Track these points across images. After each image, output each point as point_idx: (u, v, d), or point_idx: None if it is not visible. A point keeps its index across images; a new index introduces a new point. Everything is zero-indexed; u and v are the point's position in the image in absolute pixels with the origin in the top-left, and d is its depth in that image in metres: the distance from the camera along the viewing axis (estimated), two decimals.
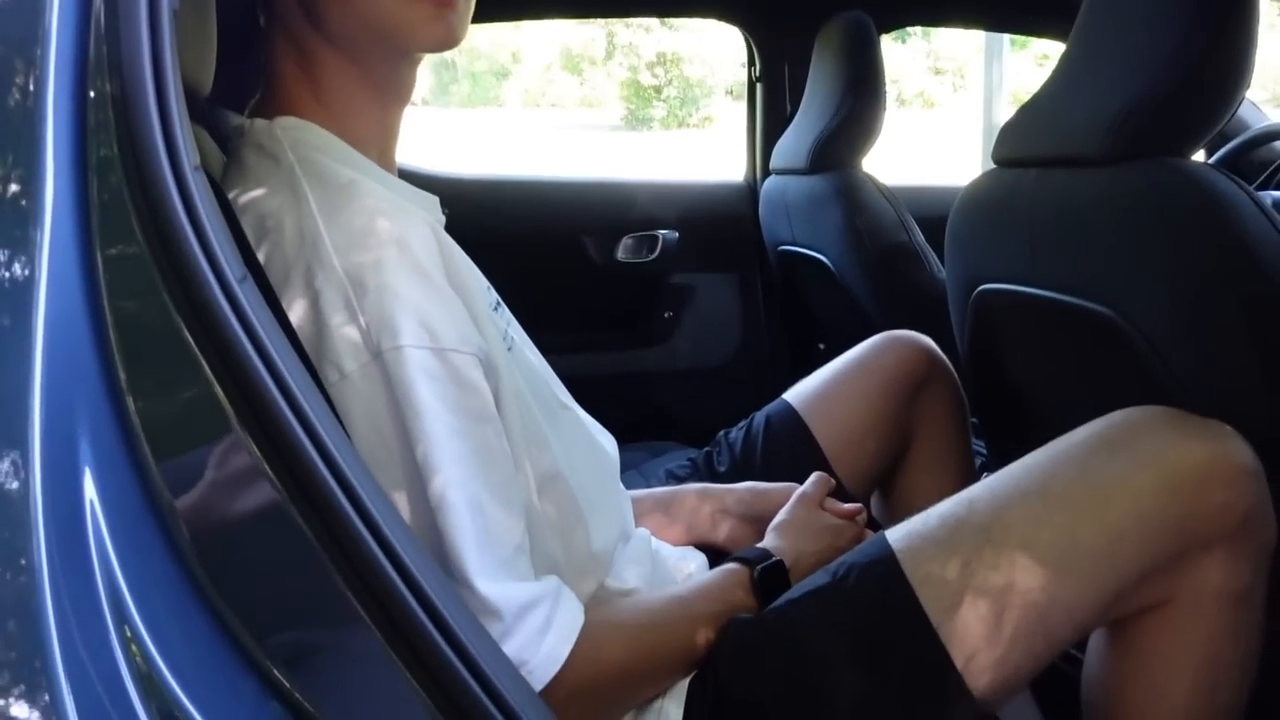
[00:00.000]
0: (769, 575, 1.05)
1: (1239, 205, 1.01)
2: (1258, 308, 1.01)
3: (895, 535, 0.98)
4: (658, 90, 20.44)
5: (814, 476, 1.22)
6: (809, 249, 2.03)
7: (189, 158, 0.67)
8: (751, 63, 2.43)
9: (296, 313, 0.83)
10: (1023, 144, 1.25)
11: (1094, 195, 1.12)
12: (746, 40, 2.43)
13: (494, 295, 1.02)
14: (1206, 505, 0.94)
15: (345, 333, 0.81)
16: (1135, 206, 1.08)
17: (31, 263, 0.62)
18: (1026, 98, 1.26)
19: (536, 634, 0.83)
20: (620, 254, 2.38)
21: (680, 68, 20.41)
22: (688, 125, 19.90)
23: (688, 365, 2.42)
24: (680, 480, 1.43)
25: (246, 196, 0.89)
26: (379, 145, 0.97)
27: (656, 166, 12.65)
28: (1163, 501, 0.94)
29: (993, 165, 1.31)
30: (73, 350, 0.62)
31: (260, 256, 0.85)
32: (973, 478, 1.47)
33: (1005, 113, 10.57)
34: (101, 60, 0.66)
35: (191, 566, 0.60)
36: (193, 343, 0.64)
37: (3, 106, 0.64)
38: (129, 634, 0.55)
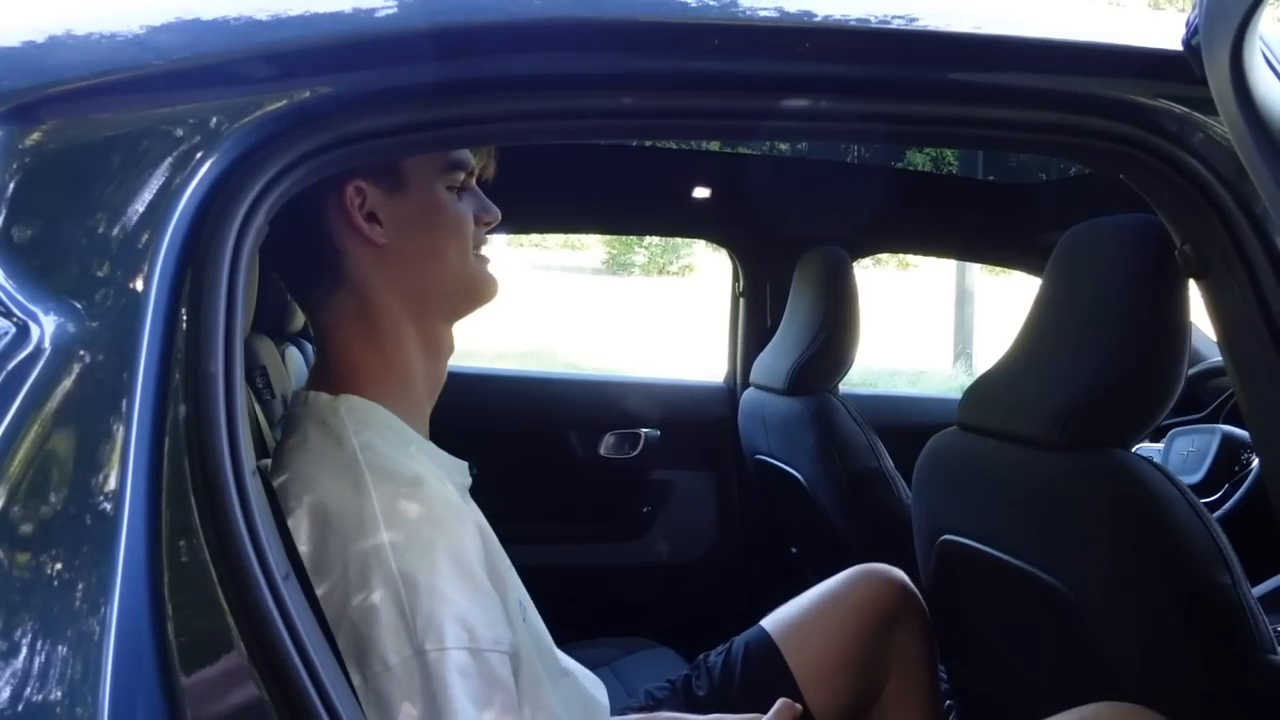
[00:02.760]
0: None
1: (1173, 503, 1.11)
2: (1190, 600, 1.10)
3: None
4: (640, 237, 20.84)
5: (778, 704, 1.29)
6: (784, 464, 2.14)
7: (249, 464, 0.77)
8: (736, 279, 2.60)
9: (346, 597, 0.89)
10: (983, 414, 1.36)
11: (1044, 476, 1.23)
12: (733, 260, 2.61)
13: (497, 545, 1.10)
14: None
15: (393, 628, 0.88)
16: (1080, 494, 1.19)
17: (111, 561, 0.71)
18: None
19: None
20: (603, 450, 2.51)
21: None
22: (668, 273, 20.21)
23: (662, 560, 2.51)
24: (659, 702, 1.50)
25: (307, 473, 0.97)
26: (424, 408, 1.07)
27: (637, 310, 12.93)
28: None
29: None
30: (137, 654, 0.71)
31: (315, 536, 0.92)
32: (940, 712, 1.55)
33: (977, 279, 10.89)
34: (177, 386, 0.76)
35: None
36: (242, 645, 0.73)
37: (96, 425, 0.73)
38: None
